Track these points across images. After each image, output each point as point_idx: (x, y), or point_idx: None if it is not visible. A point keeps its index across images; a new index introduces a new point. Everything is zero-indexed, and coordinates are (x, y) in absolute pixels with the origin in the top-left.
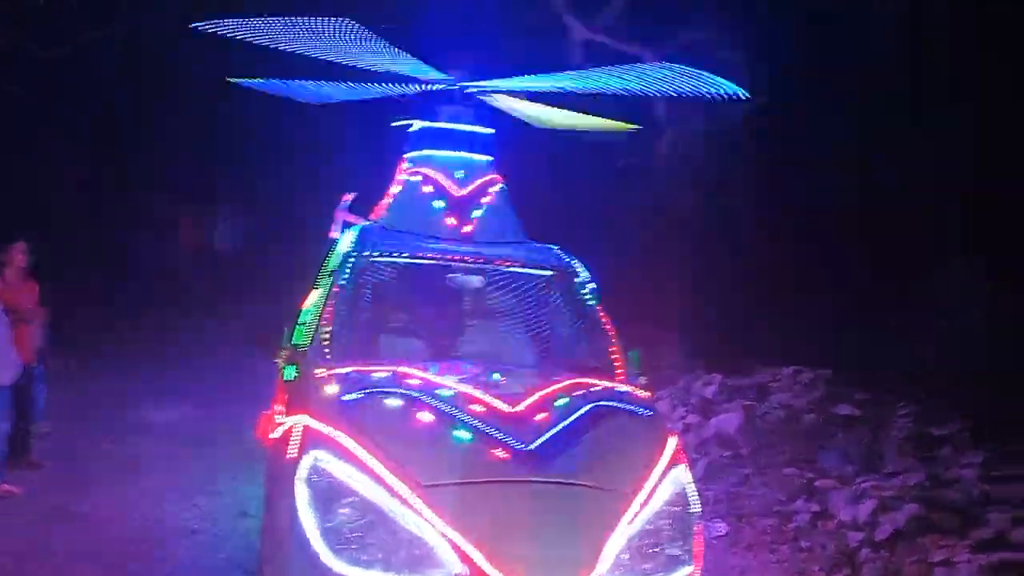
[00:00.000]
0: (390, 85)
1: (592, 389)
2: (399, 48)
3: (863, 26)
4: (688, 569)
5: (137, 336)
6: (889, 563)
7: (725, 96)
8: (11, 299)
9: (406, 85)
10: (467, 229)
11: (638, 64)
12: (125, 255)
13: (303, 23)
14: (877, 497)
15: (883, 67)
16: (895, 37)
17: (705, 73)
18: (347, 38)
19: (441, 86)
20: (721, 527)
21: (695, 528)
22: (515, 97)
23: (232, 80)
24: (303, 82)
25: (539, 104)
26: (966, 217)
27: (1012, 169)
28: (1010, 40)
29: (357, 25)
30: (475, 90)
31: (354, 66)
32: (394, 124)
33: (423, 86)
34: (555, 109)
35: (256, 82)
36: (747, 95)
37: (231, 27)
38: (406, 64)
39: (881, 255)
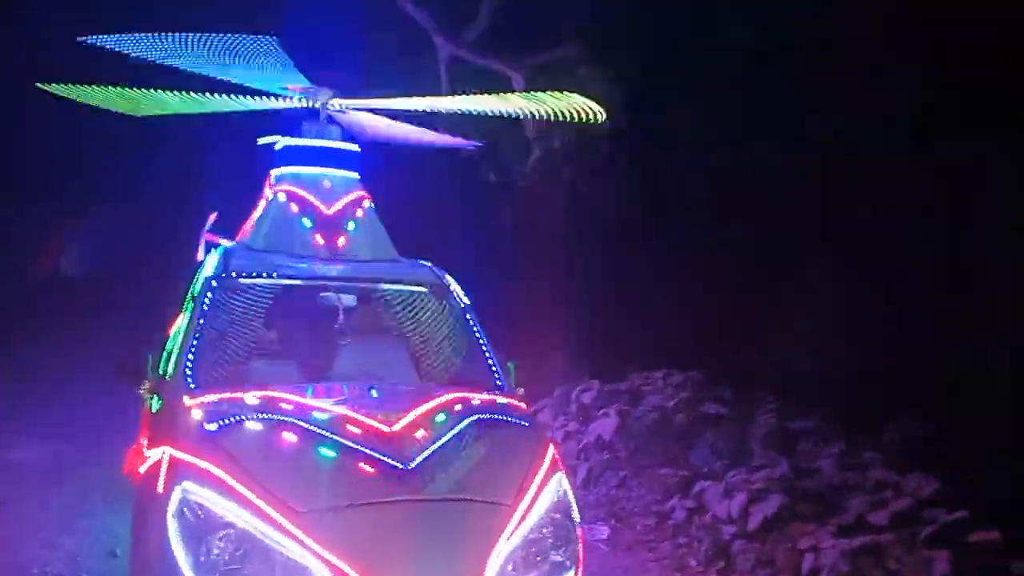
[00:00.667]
0: (253, 99)
1: (470, 403)
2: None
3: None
4: (571, 574)
5: None
6: (761, 552)
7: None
8: None
9: (271, 100)
10: (337, 247)
11: (507, 94)
12: None
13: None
14: (747, 490)
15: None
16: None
17: (568, 96)
18: (220, 50)
19: (308, 103)
20: (603, 530)
21: (576, 533)
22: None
23: (43, 87)
24: (145, 91)
25: (389, 120)
26: (823, 213)
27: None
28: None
29: (233, 37)
30: (341, 108)
31: (220, 79)
32: (259, 141)
33: (287, 101)
34: (403, 125)
35: (79, 90)
36: (604, 116)
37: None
38: (273, 79)
39: (744, 254)
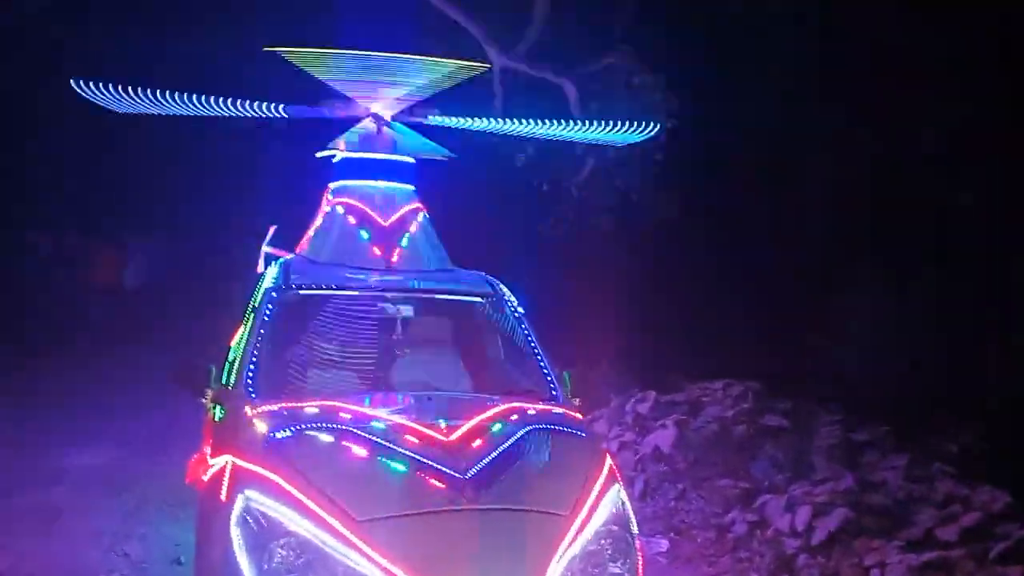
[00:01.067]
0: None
1: (526, 413)
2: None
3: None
4: None
5: (50, 379)
6: (826, 568)
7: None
8: None
9: (327, 111)
10: (394, 258)
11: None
12: (32, 293)
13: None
14: (810, 503)
15: (791, 81)
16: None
17: (619, 125)
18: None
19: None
20: (662, 543)
21: (635, 546)
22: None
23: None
24: (193, 97)
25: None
26: (874, 223)
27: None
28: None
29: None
30: (396, 121)
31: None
32: (317, 154)
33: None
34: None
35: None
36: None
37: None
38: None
39: (796, 263)
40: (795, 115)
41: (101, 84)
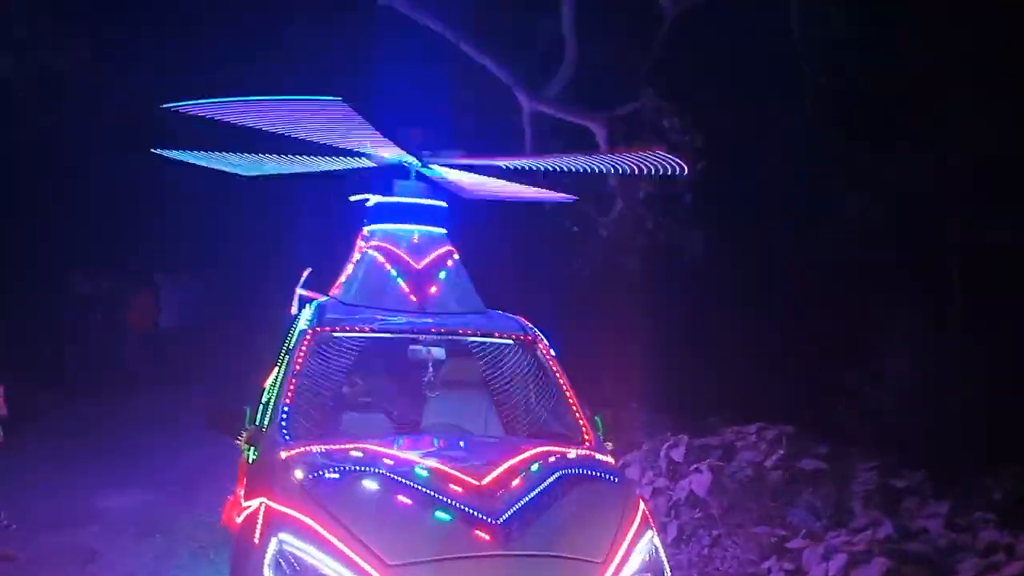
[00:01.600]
0: (343, 159)
1: (559, 457)
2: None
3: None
4: None
5: (85, 419)
6: None
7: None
8: None
9: (361, 159)
10: (426, 301)
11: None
12: (67, 336)
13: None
14: (847, 552)
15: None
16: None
17: (650, 154)
18: (311, 114)
19: (398, 162)
20: None
21: None
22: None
23: (158, 152)
24: (244, 155)
25: (483, 176)
26: (910, 266)
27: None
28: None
29: (325, 101)
30: (430, 167)
31: (311, 141)
32: (351, 198)
33: (376, 161)
34: (498, 181)
35: (188, 155)
36: (685, 170)
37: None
38: (362, 140)
39: (830, 303)
40: (825, 151)
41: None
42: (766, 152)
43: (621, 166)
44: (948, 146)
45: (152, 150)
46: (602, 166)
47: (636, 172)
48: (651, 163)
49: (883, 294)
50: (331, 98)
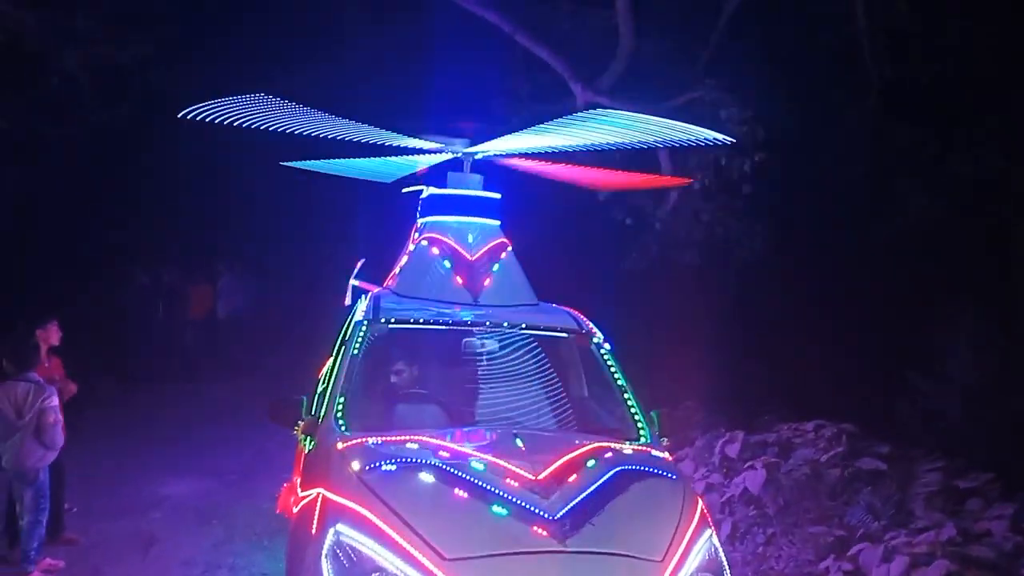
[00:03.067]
0: (397, 156)
1: (615, 453)
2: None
3: (862, 76)
4: None
5: (147, 408)
6: None
7: (714, 143)
8: (47, 375)
9: (415, 155)
10: (480, 293)
11: (631, 113)
12: (130, 327)
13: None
14: (908, 554)
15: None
16: (895, 86)
17: (695, 128)
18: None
19: (449, 155)
20: None
21: None
22: (530, 159)
23: (285, 164)
24: (343, 160)
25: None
26: (977, 264)
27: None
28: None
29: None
30: (483, 157)
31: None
32: (404, 190)
33: (431, 156)
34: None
35: (307, 164)
36: (732, 140)
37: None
38: (413, 140)
39: (893, 299)
40: (889, 144)
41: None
42: (828, 145)
43: (670, 137)
44: (1016, 139)
45: (281, 163)
46: (649, 135)
47: (687, 145)
48: (700, 137)
49: (948, 291)
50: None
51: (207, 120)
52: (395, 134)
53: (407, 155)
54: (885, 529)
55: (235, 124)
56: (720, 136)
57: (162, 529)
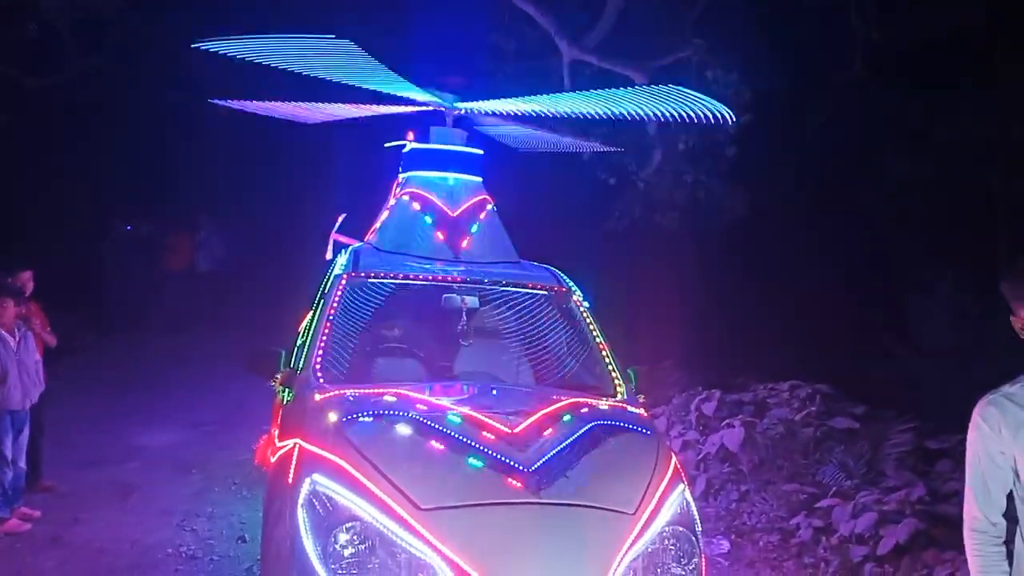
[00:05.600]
0: (380, 105)
1: (591, 408)
2: (391, 69)
3: (843, 42)
4: None
5: (125, 358)
6: None
7: (712, 118)
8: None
9: (397, 106)
10: (461, 249)
11: (627, 88)
12: (107, 276)
13: (300, 43)
14: (877, 511)
15: (871, 80)
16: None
17: (693, 94)
18: (344, 57)
19: (431, 108)
20: (723, 544)
21: (700, 547)
22: (503, 120)
23: (213, 101)
24: (291, 103)
25: (524, 126)
26: (956, 231)
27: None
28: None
29: (354, 46)
30: (465, 112)
31: (346, 85)
32: (386, 145)
33: (414, 107)
34: (540, 132)
35: (239, 103)
36: (733, 117)
37: (226, 46)
38: (398, 85)
39: (874, 268)
40: (874, 108)
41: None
42: (813, 108)
43: (662, 110)
44: (1003, 106)
45: (209, 100)
46: (641, 110)
47: (680, 119)
48: (695, 109)
49: (928, 257)
50: (343, 41)
51: (213, 52)
52: (391, 75)
53: (390, 104)
54: (857, 488)
55: (240, 58)
56: (721, 109)
57: (140, 478)
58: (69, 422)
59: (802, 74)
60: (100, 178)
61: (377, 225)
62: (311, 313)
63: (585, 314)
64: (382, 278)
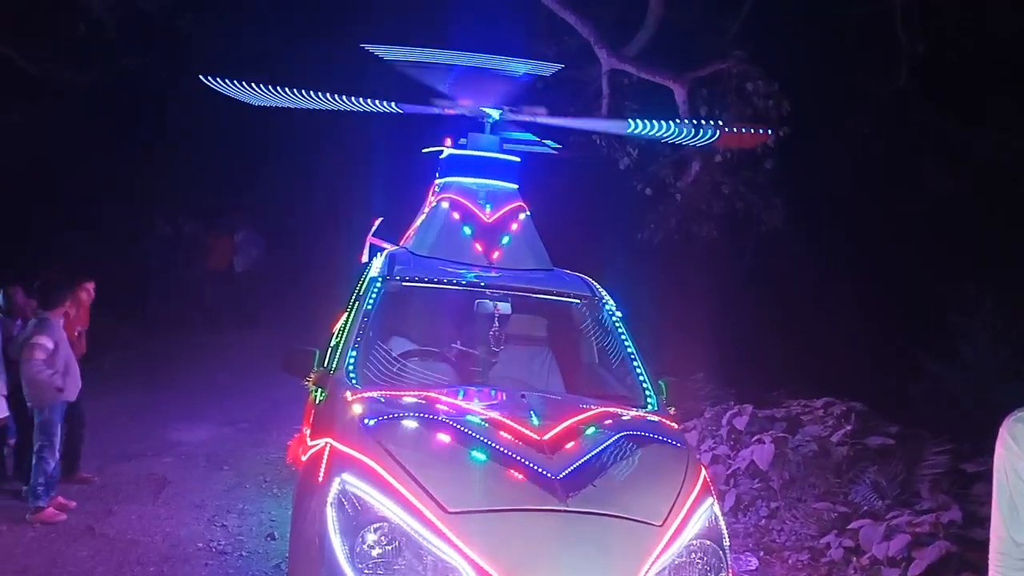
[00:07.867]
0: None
1: (621, 418)
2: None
3: (887, 54)
4: None
5: (165, 355)
6: None
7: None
8: (73, 325)
9: (436, 109)
10: (495, 256)
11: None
12: (150, 277)
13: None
14: (910, 533)
15: (913, 95)
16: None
17: (736, 128)
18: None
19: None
20: (752, 561)
21: (727, 562)
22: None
23: (206, 80)
24: (311, 93)
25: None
26: (997, 247)
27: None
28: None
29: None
30: (506, 120)
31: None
32: (424, 150)
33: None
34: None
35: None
36: (771, 135)
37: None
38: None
39: (912, 283)
40: (915, 123)
41: (233, 80)
42: (854, 122)
43: (703, 135)
44: None
45: (200, 76)
46: (683, 132)
47: (719, 142)
48: (738, 141)
49: (967, 273)
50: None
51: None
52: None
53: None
54: (889, 508)
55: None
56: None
57: (174, 473)
58: (109, 416)
59: (844, 86)
60: (143, 177)
61: (413, 230)
62: (345, 314)
63: (617, 323)
64: (416, 282)
